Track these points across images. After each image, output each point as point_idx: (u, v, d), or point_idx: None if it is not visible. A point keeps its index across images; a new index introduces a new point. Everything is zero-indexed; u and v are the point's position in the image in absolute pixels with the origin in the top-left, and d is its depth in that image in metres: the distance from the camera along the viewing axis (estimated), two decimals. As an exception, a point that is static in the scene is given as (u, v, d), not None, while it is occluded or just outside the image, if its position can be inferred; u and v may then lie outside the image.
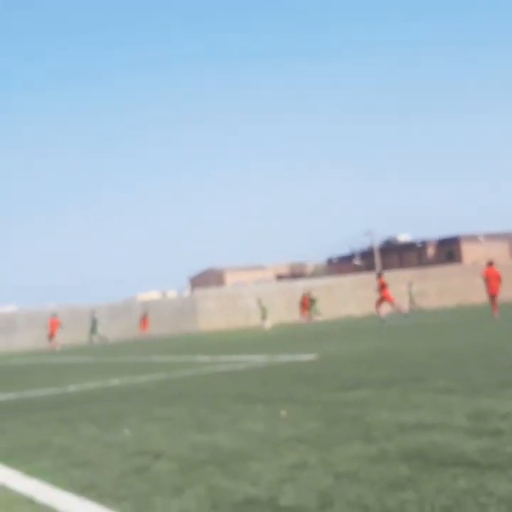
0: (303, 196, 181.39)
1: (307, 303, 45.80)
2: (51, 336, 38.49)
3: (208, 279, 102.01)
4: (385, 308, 28.59)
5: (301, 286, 53.10)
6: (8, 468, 4.89)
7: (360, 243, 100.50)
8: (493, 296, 24.29)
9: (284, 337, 25.12)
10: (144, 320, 45.64)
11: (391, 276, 53.35)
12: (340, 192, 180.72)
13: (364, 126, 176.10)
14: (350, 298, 51.04)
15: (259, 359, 13.63)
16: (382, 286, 28.24)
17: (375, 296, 29.60)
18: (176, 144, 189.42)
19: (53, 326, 38.59)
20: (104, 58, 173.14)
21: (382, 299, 28.05)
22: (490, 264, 25.02)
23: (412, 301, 46.08)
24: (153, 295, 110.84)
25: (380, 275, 30.00)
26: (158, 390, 9.49)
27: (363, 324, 29.80)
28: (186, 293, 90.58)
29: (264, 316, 41.99)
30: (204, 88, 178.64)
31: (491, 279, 24.37)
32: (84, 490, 4.05)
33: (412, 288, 46.97)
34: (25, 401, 9.65)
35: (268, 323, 41.52)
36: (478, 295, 41.60)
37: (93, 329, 41.40)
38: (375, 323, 27.42)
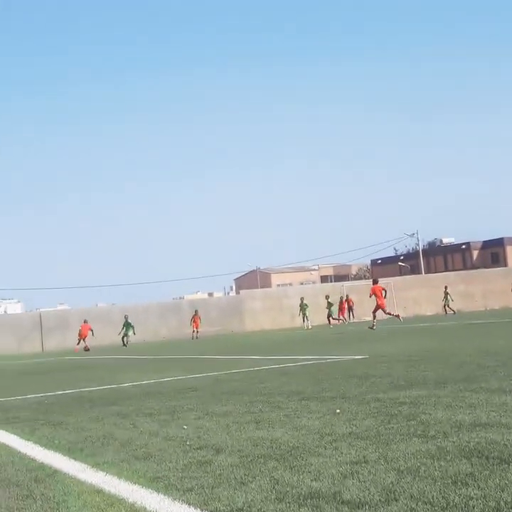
0: (348, 197, 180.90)
1: (344, 305, 45.84)
2: (81, 338, 38.43)
3: (254, 280, 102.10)
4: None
5: (344, 287, 52.92)
6: (74, 460, 5.05)
7: (405, 245, 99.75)
8: None
9: (330, 337, 25.12)
10: (195, 318, 45.36)
11: (436, 279, 53.03)
12: (385, 194, 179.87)
13: (409, 125, 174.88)
14: (393, 299, 50.64)
15: (308, 358, 13.70)
16: (377, 293, 27.51)
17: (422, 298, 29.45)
18: (224, 144, 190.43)
19: (84, 330, 38.88)
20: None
21: (377, 307, 27.25)
22: None
23: (447, 304, 45.02)
24: (200, 296, 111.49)
25: (375, 282, 29.62)
26: (212, 387, 9.63)
27: (408, 325, 29.62)
28: (232, 294, 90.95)
29: (304, 316, 42.20)
30: (260, 82, 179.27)
31: None
32: (151, 481, 4.18)
33: (447, 291, 45.64)
34: (85, 397, 9.86)
35: (308, 324, 41.61)
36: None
37: (126, 331, 40.96)
38: (418, 323, 27.25)
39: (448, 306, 44.63)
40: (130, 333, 40.44)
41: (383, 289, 27.61)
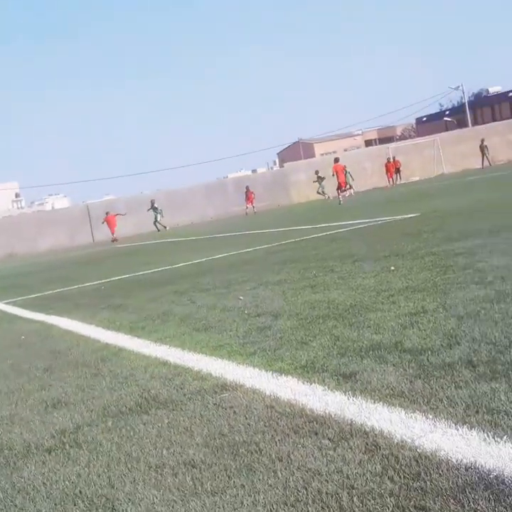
0: (387, 56, 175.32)
1: (391, 168, 45.22)
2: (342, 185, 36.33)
3: (297, 152, 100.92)
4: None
5: (390, 149, 52.11)
6: (137, 338, 5.16)
7: (450, 100, 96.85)
8: None
9: (379, 201, 24.93)
10: (249, 194, 45.11)
11: (484, 130, 51.68)
12: (425, 48, 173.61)
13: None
14: (441, 156, 49.71)
15: (358, 222, 13.65)
16: (339, 171, 30.25)
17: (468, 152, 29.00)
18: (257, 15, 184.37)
19: (110, 222, 39.16)
20: None
21: (339, 184, 30.10)
22: None
23: (486, 157, 43.95)
24: (244, 173, 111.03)
25: (336, 160, 31.76)
26: (264, 259, 9.68)
27: (457, 180, 29.18)
28: (276, 168, 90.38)
29: (322, 190, 41.79)
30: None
31: None
32: (214, 350, 4.26)
33: (484, 144, 44.37)
34: (140, 280, 10.04)
35: (327, 195, 41.08)
36: None
37: (155, 217, 40.89)
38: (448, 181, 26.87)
39: (487, 159, 43.75)
40: (159, 217, 40.48)
41: (344, 168, 31.00)
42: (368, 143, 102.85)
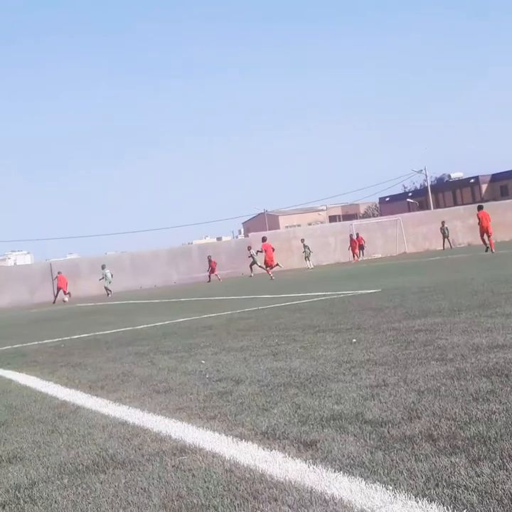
0: (354, 137, 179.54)
1: (355, 244, 46.20)
2: (61, 290, 39.68)
3: (262, 223, 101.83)
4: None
5: (354, 226, 52.88)
6: (96, 397, 5.11)
7: (413, 182, 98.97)
8: None
9: (342, 275, 25.16)
10: (212, 263, 45.46)
11: (446, 214, 52.77)
12: (392, 131, 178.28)
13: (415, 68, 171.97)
14: (403, 235, 50.56)
15: (321, 295, 13.74)
16: (269, 249, 33.83)
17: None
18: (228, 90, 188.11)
19: (61, 281, 40.06)
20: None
21: (266, 261, 33.57)
22: None
23: (447, 239, 45.09)
24: (209, 241, 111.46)
25: (264, 239, 35.66)
26: (227, 325, 9.68)
27: (419, 260, 29.62)
28: (241, 237, 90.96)
29: (307, 257, 43.61)
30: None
31: None
32: (174, 412, 4.23)
33: (445, 226, 45.50)
34: (100, 339, 9.94)
35: (310, 263, 43.15)
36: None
37: (105, 280, 41.62)
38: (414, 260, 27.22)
39: (448, 241, 44.79)
40: (107, 281, 41.32)
41: (272, 248, 34.25)
42: (332, 218, 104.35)
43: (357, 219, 75.27)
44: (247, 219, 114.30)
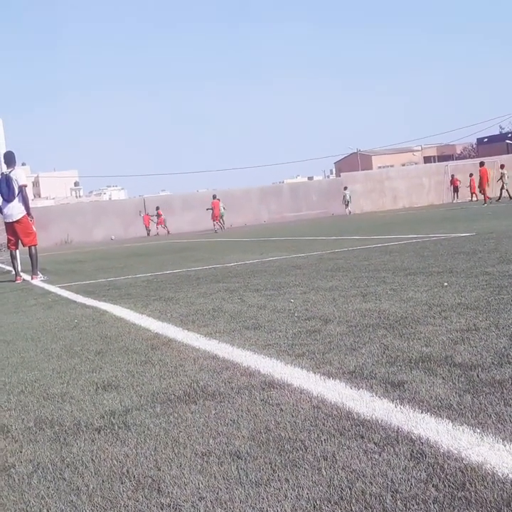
0: (451, 77, 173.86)
1: (473, 182, 44.13)
2: (214, 218, 40.12)
3: (354, 163, 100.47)
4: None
5: (449, 167, 51.64)
6: (187, 331, 5.24)
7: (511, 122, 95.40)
8: None
9: (435, 218, 24.73)
10: (159, 215, 46.85)
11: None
12: (491, 70, 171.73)
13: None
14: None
15: (413, 237, 13.57)
16: (216, 206, 39.19)
17: None
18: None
19: (216, 207, 40.48)
20: None
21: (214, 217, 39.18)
22: None
23: (503, 187, 39.58)
24: (300, 180, 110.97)
25: (214, 197, 40.39)
26: (316, 265, 9.70)
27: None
28: (332, 177, 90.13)
29: (348, 202, 47.65)
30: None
31: None
32: (263, 348, 4.30)
33: (503, 171, 39.76)
34: (192, 275, 10.14)
35: (349, 210, 47.02)
36: None
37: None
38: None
39: (506, 189, 39.31)
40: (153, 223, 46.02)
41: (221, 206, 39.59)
42: (427, 159, 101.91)
43: (453, 160, 73.40)
44: (340, 159, 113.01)
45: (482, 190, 35.66)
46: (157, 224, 45.95)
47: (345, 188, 48.59)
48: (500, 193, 39.44)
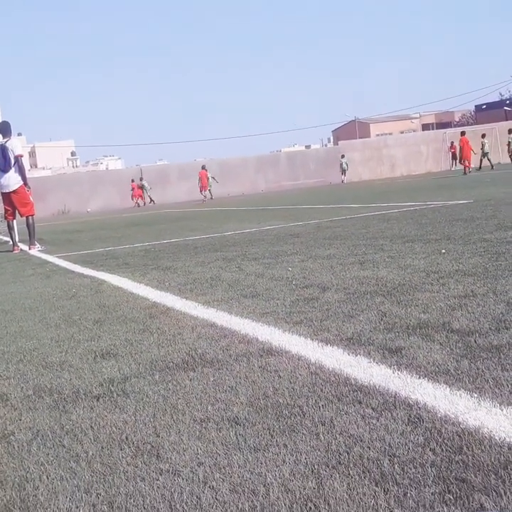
0: (449, 42, 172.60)
1: (454, 151, 44.44)
2: (202, 189, 40.51)
3: (352, 131, 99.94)
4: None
5: (447, 134, 51.42)
6: (185, 299, 5.24)
7: (509, 90, 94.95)
8: None
9: (433, 185, 24.68)
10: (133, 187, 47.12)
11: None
12: (490, 36, 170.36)
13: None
14: (498, 145, 48.83)
15: (410, 205, 13.55)
16: (203, 177, 40.30)
17: None
18: None
19: (203, 177, 40.65)
20: None
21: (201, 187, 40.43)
22: None
23: (483, 155, 39.29)
24: (297, 149, 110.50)
25: (203, 167, 41.23)
26: (314, 233, 9.69)
27: (516, 171, 28.73)
28: (330, 146, 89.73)
29: (344, 171, 48.77)
30: None
31: None
32: (261, 316, 4.31)
33: (483, 140, 39.79)
34: (189, 244, 10.14)
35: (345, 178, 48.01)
36: None
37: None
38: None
39: (486, 158, 38.86)
40: (146, 194, 46.57)
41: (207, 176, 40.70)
42: (425, 127, 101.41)
43: (451, 127, 73.08)
44: (337, 127, 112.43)
45: (462, 160, 35.59)
46: (132, 196, 46.17)
47: (343, 156, 48.52)
48: (480, 162, 39.43)
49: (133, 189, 46.05)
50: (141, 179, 46.36)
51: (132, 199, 45.76)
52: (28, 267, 9.24)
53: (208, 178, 40.77)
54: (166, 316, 4.68)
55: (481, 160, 39.24)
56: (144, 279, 6.67)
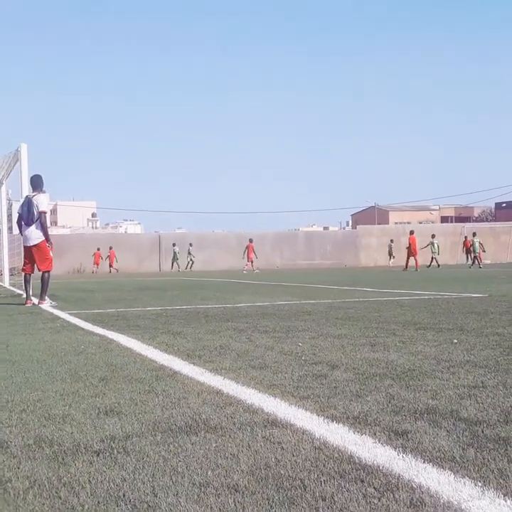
0: (473, 137, 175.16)
1: (468, 246, 44.54)
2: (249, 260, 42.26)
3: (371, 216, 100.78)
4: None
5: (466, 228, 51.71)
6: (193, 365, 5.22)
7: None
8: None
9: (448, 277, 24.68)
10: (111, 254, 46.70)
11: None
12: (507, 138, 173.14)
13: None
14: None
15: (425, 293, 13.54)
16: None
17: None
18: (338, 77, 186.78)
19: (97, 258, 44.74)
20: None
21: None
22: None
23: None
24: (315, 229, 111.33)
25: (250, 241, 42.63)
26: (326, 312, 9.69)
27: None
28: (348, 228, 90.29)
29: (391, 254, 47.53)
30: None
31: None
32: (268, 388, 4.28)
33: (433, 240, 40.87)
34: (201, 312, 10.14)
35: (391, 262, 46.70)
36: None
37: (173, 259, 46.84)
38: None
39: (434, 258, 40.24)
40: (175, 262, 46.68)
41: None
42: (444, 219, 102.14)
43: (470, 222, 73.50)
44: (356, 211, 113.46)
45: (408, 257, 36.80)
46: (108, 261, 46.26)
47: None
48: (431, 261, 40.58)
49: (95, 256, 46.06)
50: (173, 245, 46.73)
51: (94, 265, 45.81)
52: (39, 321, 9.26)
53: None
54: (173, 379, 4.66)
55: (432, 258, 40.49)
56: (153, 341, 6.67)
